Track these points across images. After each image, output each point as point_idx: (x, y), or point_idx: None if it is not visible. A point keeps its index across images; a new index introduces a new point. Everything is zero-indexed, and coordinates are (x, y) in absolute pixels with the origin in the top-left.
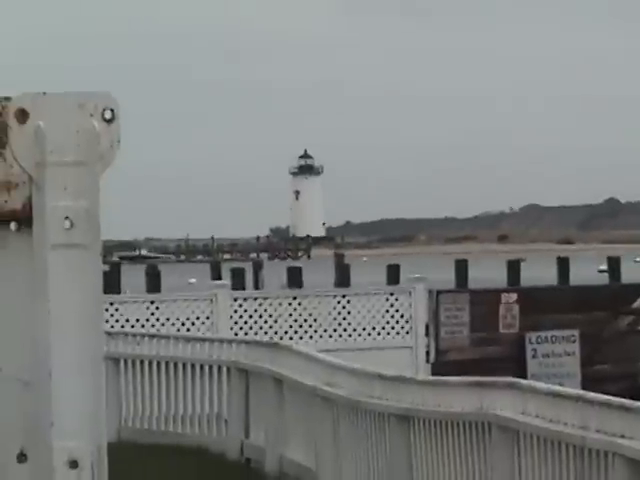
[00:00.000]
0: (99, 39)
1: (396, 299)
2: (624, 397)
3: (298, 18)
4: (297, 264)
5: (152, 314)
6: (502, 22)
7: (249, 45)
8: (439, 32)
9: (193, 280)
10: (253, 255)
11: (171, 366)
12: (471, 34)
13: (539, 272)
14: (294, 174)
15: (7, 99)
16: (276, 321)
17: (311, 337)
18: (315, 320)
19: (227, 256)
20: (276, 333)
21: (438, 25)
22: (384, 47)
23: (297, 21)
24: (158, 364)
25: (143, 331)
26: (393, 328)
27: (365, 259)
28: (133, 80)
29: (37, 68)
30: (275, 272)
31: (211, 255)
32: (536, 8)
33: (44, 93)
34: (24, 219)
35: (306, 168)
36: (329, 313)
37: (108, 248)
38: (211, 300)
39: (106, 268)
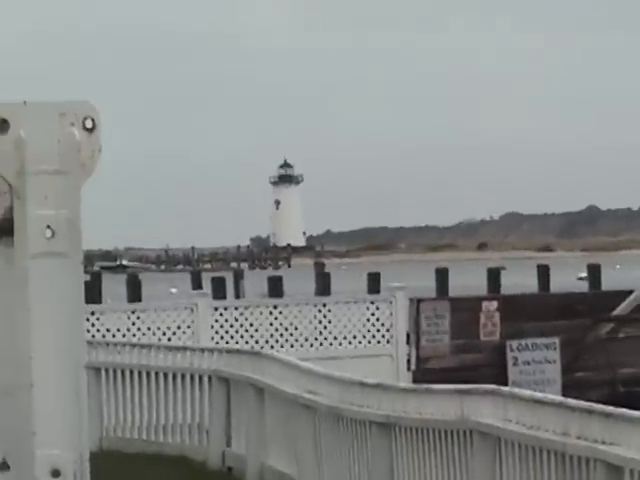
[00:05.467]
0: (72, 38)
1: (377, 307)
2: (605, 404)
3: (279, 29)
4: (278, 273)
5: (133, 323)
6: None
7: (230, 52)
8: (409, 35)
9: (174, 290)
10: (234, 264)
11: (152, 375)
12: (454, 38)
13: (519, 279)
14: (274, 183)
15: None
16: (257, 330)
17: (292, 346)
18: (296, 329)
19: (208, 265)
20: (257, 342)
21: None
22: (365, 57)
23: (275, 31)
24: (139, 373)
25: (124, 340)
26: (374, 336)
27: (344, 267)
28: (110, 87)
29: (22, 70)
30: (256, 281)
31: (192, 264)
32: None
33: (25, 102)
34: (5, 228)
35: (286, 177)
36: (310, 322)
37: (89, 258)
38: (192, 309)
39: (87, 278)
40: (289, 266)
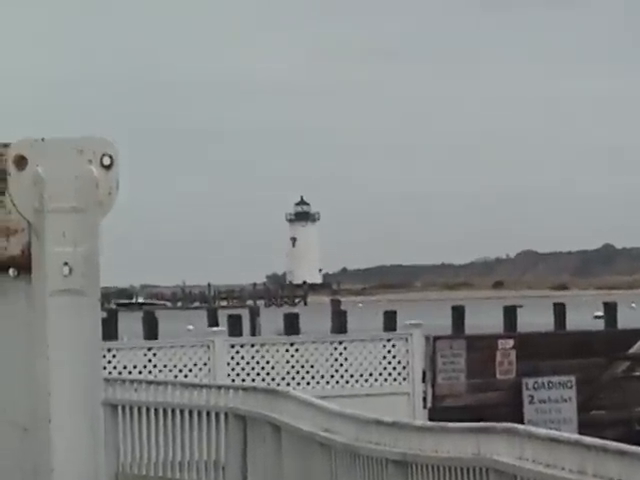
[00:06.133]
0: (91, 82)
1: (393, 345)
2: (621, 442)
3: (290, 66)
4: (294, 311)
5: (149, 360)
6: (483, 63)
7: (243, 94)
8: (434, 80)
9: (191, 327)
10: (250, 302)
11: (169, 412)
12: (450, 81)
13: (535, 318)
14: (290, 221)
15: (6, 145)
16: (273, 367)
17: (308, 383)
18: (312, 366)
19: (224, 303)
20: (273, 379)
21: (427, 73)
22: (373, 95)
23: (287, 69)
24: (156, 410)
25: (141, 377)
26: (390, 374)
27: (361, 305)
28: (128, 128)
29: (44, 110)
30: (272, 319)
31: (208, 302)
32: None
33: (42, 139)
34: (23, 265)
35: (302, 215)
36: (326, 359)
37: (105, 295)
38: (208, 346)
39: (104, 315)
40: (305, 304)
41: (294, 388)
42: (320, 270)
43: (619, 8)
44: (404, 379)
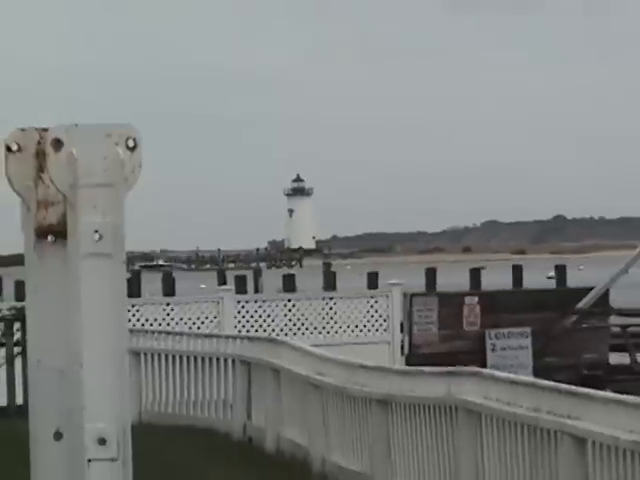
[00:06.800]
0: (125, 75)
1: (375, 301)
2: (570, 384)
3: (291, 58)
4: (291, 272)
5: (167, 314)
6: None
7: (252, 82)
8: (404, 74)
9: (203, 286)
10: (253, 264)
11: (184, 359)
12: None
13: (497, 278)
14: (288, 195)
15: (45, 130)
16: (273, 320)
17: (303, 334)
18: (307, 319)
19: (231, 265)
20: (273, 330)
21: (391, 67)
22: (374, 88)
23: (289, 61)
24: (173, 357)
25: (160, 329)
26: (373, 326)
27: (348, 267)
28: (153, 114)
29: (72, 100)
30: (272, 279)
31: (217, 264)
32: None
33: (76, 125)
34: (59, 232)
35: (298, 190)
36: (319, 313)
37: (130, 259)
38: (218, 302)
39: (129, 275)
40: (301, 266)
41: (291, 338)
42: (313, 237)
43: (572, 12)
44: (385, 330)
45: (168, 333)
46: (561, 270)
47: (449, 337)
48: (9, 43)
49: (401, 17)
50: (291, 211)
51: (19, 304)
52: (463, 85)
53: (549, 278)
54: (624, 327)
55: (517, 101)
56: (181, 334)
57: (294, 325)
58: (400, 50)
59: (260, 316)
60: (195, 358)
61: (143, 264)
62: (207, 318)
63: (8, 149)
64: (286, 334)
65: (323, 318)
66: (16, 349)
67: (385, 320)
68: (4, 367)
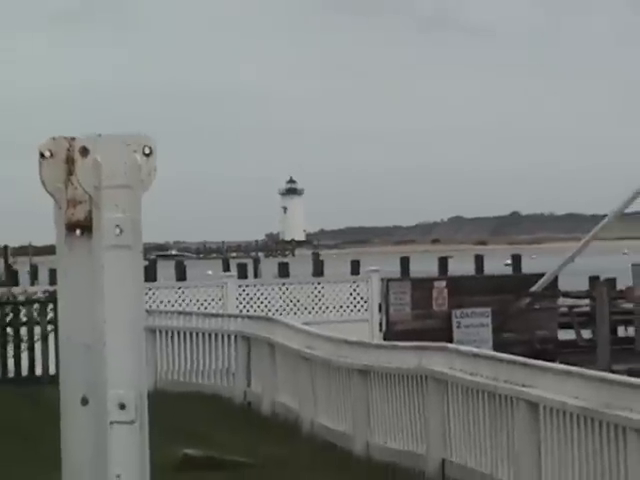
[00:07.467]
0: (147, 92)
1: (357, 285)
2: (524, 357)
3: (289, 78)
4: (285, 260)
5: (179, 297)
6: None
7: (252, 98)
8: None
9: (210, 272)
10: (253, 254)
11: (194, 335)
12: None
13: (462, 266)
14: (282, 194)
15: (73, 139)
16: (270, 301)
17: (295, 313)
18: (298, 300)
19: (234, 254)
20: (270, 310)
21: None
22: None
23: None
24: (184, 333)
25: (173, 309)
26: (355, 306)
27: (334, 256)
28: (170, 123)
29: (97, 114)
30: (269, 266)
31: (222, 254)
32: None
33: (99, 135)
34: (86, 227)
35: (291, 190)
36: (308, 295)
37: (147, 249)
38: (222, 286)
39: (146, 263)
40: (293, 255)
41: (285, 316)
42: (304, 230)
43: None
44: (365, 310)
45: (180, 313)
46: (517, 259)
47: (421, 316)
48: (46, 62)
49: (377, 40)
50: (285, 208)
51: (52, 288)
52: (431, 99)
53: (506, 265)
54: (570, 307)
55: (479, 111)
56: (191, 314)
57: (287, 306)
58: (380, 67)
59: (258, 298)
60: (203, 334)
61: (158, 253)
62: (213, 300)
63: (42, 155)
64: (280, 313)
65: (312, 300)
66: (49, 327)
67: (365, 301)
68: (39, 342)
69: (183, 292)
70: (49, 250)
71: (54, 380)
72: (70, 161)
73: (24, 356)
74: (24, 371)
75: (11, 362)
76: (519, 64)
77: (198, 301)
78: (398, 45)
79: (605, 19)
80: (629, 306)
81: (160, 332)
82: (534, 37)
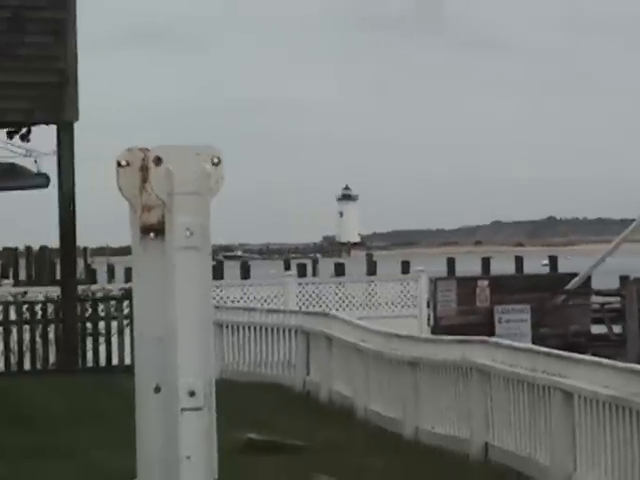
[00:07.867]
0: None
1: (407, 284)
2: (560, 349)
3: (339, 87)
4: (341, 261)
5: (244, 294)
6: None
7: (308, 107)
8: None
9: (273, 271)
10: (311, 254)
11: (257, 329)
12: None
13: (503, 266)
14: (339, 200)
15: (147, 149)
16: (327, 298)
17: (350, 309)
18: (353, 297)
19: (294, 255)
20: (327, 306)
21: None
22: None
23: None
24: (248, 328)
25: (238, 305)
26: (405, 303)
27: (386, 257)
28: (236, 137)
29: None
30: (326, 266)
31: (283, 254)
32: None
33: (172, 146)
34: (159, 230)
35: (347, 196)
36: (362, 293)
37: (215, 250)
38: (283, 285)
39: (214, 263)
40: (349, 256)
41: (341, 312)
42: (359, 233)
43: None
44: (414, 306)
45: (245, 309)
46: (553, 259)
47: (465, 312)
48: (123, 80)
49: (425, 57)
50: (341, 213)
51: (127, 285)
52: (472, 114)
53: (544, 265)
54: (602, 304)
55: (528, 123)
56: (254, 309)
57: (343, 302)
58: (427, 83)
59: (317, 295)
60: (266, 328)
61: (225, 254)
62: (275, 297)
63: (119, 164)
64: (336, 309)
65: (366, 297)
66: (125, 321)
67: (415, 298)
68: (116, 336)
69: (248, 290)
70: (125, 251)
71: (129, 370)
72: (145, 170)
73: (102, 348)
74: (102, 362)
75: (90, 354)
76: (553, 80)
77: (261, 298)
78: (446, 63)
79: None
80: None
81: (227, 326)
82: (565, 54)
